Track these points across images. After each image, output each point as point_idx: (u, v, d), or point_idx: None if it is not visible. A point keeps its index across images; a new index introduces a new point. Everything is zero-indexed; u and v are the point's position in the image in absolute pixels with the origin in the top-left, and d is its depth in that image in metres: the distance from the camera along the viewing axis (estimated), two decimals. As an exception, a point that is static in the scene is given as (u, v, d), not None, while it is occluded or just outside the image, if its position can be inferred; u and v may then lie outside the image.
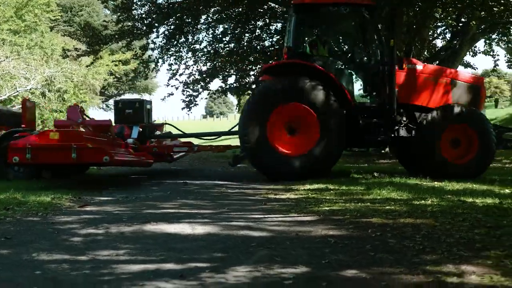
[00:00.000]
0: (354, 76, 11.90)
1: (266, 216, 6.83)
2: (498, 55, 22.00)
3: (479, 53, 21.84)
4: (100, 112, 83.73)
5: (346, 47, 12.43)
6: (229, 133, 13.20)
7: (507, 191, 8.89)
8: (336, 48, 12.54)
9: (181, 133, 13.83)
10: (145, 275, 4.21)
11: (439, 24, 20.77)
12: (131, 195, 9.18)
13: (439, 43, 22.50)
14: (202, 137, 14.07)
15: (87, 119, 13.11)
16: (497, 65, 21.82)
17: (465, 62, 22.80)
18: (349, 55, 12.41)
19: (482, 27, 18.69)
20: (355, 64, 12.08)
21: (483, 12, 17.44)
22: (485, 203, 7.36)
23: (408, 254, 4.61)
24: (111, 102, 62.43)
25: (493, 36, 20.64)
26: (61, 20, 43.83)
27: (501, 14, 17.89)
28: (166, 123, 15.65)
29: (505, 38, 20.86)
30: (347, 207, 7.24)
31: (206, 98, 23.61)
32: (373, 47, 11.89)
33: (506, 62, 21.94)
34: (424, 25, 17.08)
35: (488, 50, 21.57)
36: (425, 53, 19.78)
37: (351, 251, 4.83)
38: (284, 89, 10.99)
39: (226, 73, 21.04)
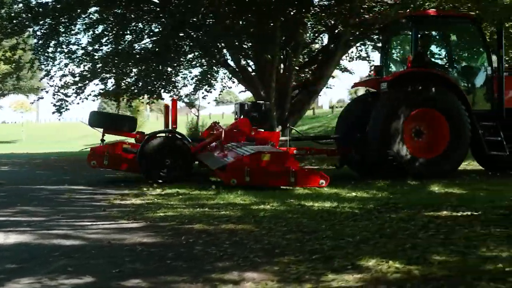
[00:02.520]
0: (466, 83, 12.67)
1: (94, 223, 6.72)
2: (373, 60, 22.53)
3: (356, 58, 22.43)
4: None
5: (458, 57, 13.57)
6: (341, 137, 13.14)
7: (353, 194, 9.11)
8: (448, 58, 13.36)
9: (300, 135, 13.96)
10: None
11: (317, 28, 21.11)
12: (-28, 201, 8.80)
13: (318, 47, 22.84)
14: (317, 141, 14.43)
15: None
16: (372, 70, 22.33)
17: (342, 66, 23.37)
18: (461, 63, 13.27)
19: (357, 33, 19.10)
20: (467, 72, 12.89)
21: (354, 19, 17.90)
22: (322, 207, 7.50)
23: (204, 262, 4.62)
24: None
25: (368, 43, 21.12)
26: None
27: (374, 21, 18.35)
28: (288, 127, 15.65)
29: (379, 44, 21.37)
30: (182, 213, 7.23)
31: (97, 99, 23.00)
32: (482, 57, 12.65)
33: (384, 67, 22.51)
34: (296, 30, 17.36)
35: (364, 55, 22.11)
36: (301, 57, 20.11)
37: (151, 259, 4.80)
38: (419, 95, 11.45)
39: (106, 76, 20.57)
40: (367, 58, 22.02)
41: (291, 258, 4.60)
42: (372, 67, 16.69)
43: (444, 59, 13.47)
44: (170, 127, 12.16)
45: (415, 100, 11.52)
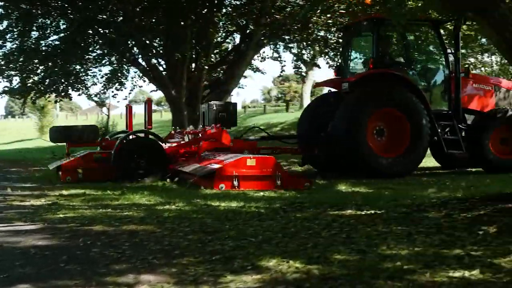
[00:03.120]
0: (425, 84, 13.14)
1: (-13, 226, 6.38)
2: (284, 60, 22.77)
3: (268, 58, 22.58)
4: None
5: (417, 58, 14.01)
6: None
7: (261, 193, 9.08)
8: (408, 59, 13.68)
9: (266, 135, 14.14)
10: None
11: (229, 28, 21.08)
12: None
13: (230, 46, 22.83)
14: (283, 140, 14.69)
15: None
16: (284, 70, 22.59)
17: (254, 67, 23.48)
18: (420, 65, 13.65)
19: (268, 33, 19.16)
20: (426, 73, 13.35)
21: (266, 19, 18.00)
22: (228, 206, 7.42)
23: (100, 265, 4.43)
24: None
25: (280, 43, 21.25)
26: None
27: (285, 22, 18.50)
28: (255, 127, 16.41)
29: (292, 45, 21.54)
30: (83, 214, 6.99)
31: (2, 98, 22.25)
32: (440, 58, 13.26)
33: (293, 68, 22.76)
34: (207, 29, 17.31)
35: (276, 56, 22.22)
36: (213, 57, 20.06)
37: (44, 262, 4.57)
38: (381, 96, 11.91)
39: (11, 73, 19.84)
40: (279, 58, 22.15)
41: (191, 259, 4.48)
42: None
43: (404, 61, 13.94)
44: (142, 128, 12.27)
45: (378, 100, 11.92)
